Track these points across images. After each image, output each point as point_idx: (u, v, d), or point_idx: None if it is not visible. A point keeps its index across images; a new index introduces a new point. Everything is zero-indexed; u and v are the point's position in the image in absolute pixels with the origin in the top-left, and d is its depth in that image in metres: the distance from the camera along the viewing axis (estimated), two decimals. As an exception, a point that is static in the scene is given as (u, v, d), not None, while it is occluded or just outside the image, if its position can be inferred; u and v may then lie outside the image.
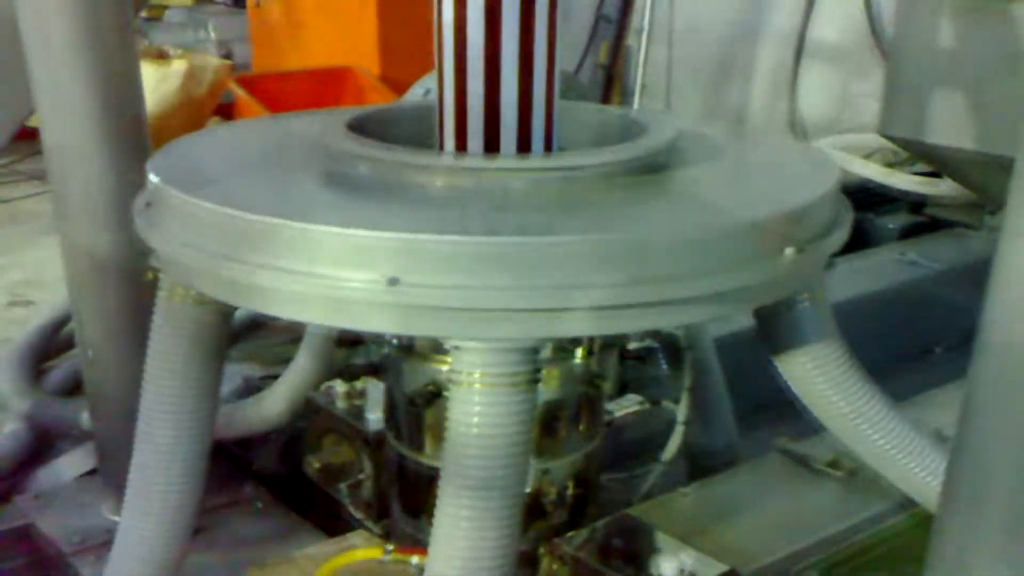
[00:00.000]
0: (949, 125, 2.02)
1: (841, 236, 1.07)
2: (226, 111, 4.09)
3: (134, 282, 1.49)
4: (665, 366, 1.38)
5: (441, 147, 1.21)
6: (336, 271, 0.92)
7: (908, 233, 2.46)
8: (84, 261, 1.61)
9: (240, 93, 3.72)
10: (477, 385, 0.93)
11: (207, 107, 3.90)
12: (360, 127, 1.23)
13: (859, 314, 1.74)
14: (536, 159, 1.16)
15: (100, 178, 1.57)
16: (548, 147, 1.20)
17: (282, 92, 3.81)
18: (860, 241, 2.40)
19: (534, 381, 0.95)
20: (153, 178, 1.11)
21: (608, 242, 0.92)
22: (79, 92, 1.54)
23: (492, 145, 1.17)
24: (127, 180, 1.54)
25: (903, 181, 2.38)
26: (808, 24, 4.03)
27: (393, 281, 0.90)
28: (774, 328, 1.16)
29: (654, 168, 1.13)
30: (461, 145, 1.19)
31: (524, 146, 1.18)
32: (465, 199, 1.06)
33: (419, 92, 3.17)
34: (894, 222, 2.45)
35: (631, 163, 1.11)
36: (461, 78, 1.17)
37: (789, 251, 0.98)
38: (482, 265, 0.91)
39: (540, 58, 1.15)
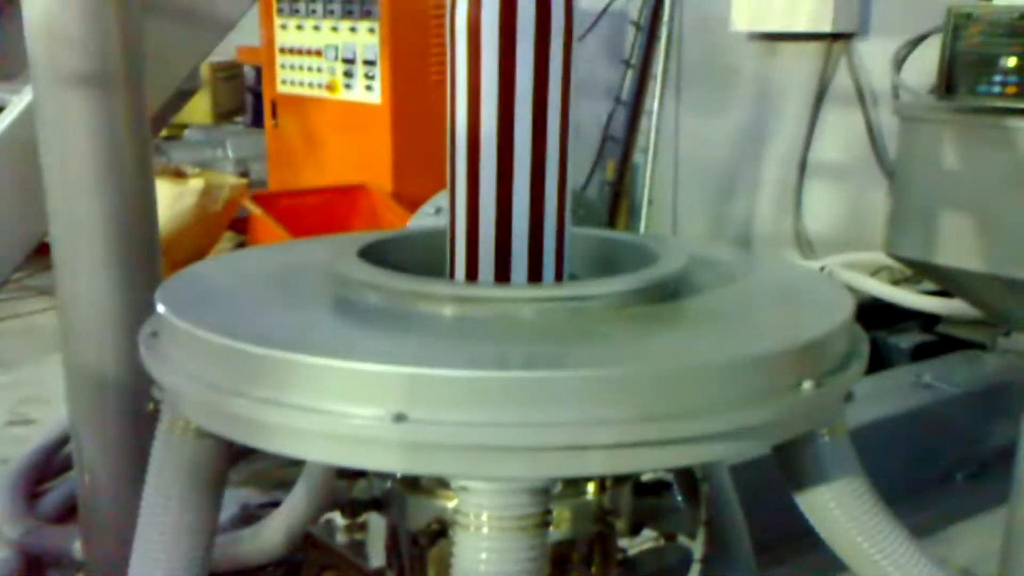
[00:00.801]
0: (956, 246, 2.04)
1: (859, 368, 1.04)
2: (241, 226, 4.17)
3: (136, 408, 1.47)
4: (680, 499, 1.33)
5: (452, 274, 1.21)
6: (340, 406, 0.90)
7: (920, 352, 2.43)
8: (87, 384, 1.60)
9: (255, 210, 3.80)
10: (485, 529, 0.89)
11: (222, 223, 3.98)
12: (372, 253, 1.24)
13: (877, 440, 1.70)
14: (546, 288, 1.15)
15: (108, 300, 1.58)
16: (559, 275, 1.19)
17: (295, 209, 3.89)
18: (873, 361, 2.36)
19: (545, 524, 0.91)
20: (160, 307, 1.11)
21: (621, 377, 0.90)
22: (94, 216, 1.57)
23: (503, 274, 1.17)
24: (136, 304, 1.54)
25: (915, 301, 2.37)
26: (810, 145, 4.13)
27: (399, 417, 0.87)
28: (793, 463, 1.12)
29: (666, 296, 1.12)
30: (472, 273, 1.19)
31: (535, 275, 1.18)
32: (475, 329, 1.05)
33: (430, 210, 3.22)
34: (906, 341, 2.43)
35: (642, 292, 1.10)
36: (473, 203, 1.18)
37: (807, 385, 0.96)
38: (491, 400, 0.89)
39: (551, 188, 1.16)
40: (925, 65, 3.45)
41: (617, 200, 4.86)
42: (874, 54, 3.89)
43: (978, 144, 2.05)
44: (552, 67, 1.17)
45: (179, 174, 3.91)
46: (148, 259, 1.61)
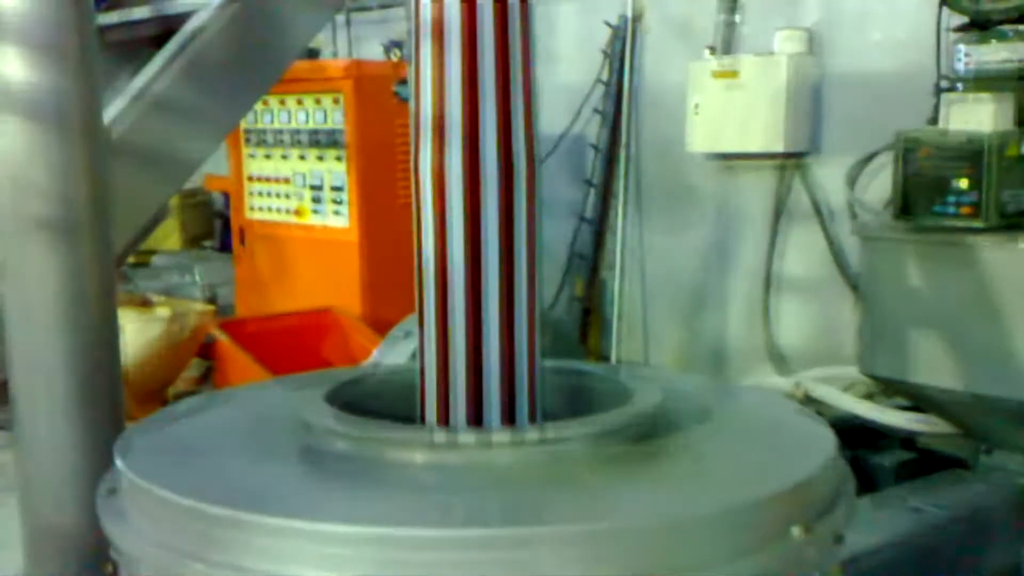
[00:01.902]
0: (928, 364, 2.05)
1: (849, 508, 1.01)
2: (208, 352, 4.09)
3: (97, 564, 1.38)
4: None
5: (423, 417, 1.18)
6: (305, 572, 0.85)
7: (903, 470, 2.40)
8: (45, 536, 1.51)
9: (221, 338, 3.75)
10: None
11: (189, 351, 3.91)
12: (341, 395, 1.20)
13: (869, 569, 1.64)
14: (522, 432, 1.12)
15: (69, 449, 1.50)
16: (533, 415, 1.17)
17: (263, 335, 3.84)
18: (856, 480, 2.33)
19: None
20: (119, 463, 1.06)
21: (607, 532, 0.86)
22: (55, 363, 1.52)
23: (476, 415, 1.14)
24: (97, 453, 1.47)
25: (894, 418, 2.36)
26: (773, 260, 4.21)
27: (369, 585, 0.82)
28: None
29: (644, 435, 1.10)
30: (444, 415, 1.15)
31: (509, 415, 1.15)
32: (449, 480, 1.01)
33: (399, 334, 3.19)
34: (889, 459, 2.40)
35: (621, 432, 1.08)
36: (443, 343, 1.16)
37: (796, 530, 0.92)
38: (468, 561, 0.84)
39: (522, 327, 1.15)
40: (878, 181, 3.59)
41: (587, 317, 4.88)
42: (827, 172, 4.04)
43: (939, 263, 2.09)
44: (517, 207, 1.18)
45: (145, 303, 3.87)
46: (111, 407, 1.55)
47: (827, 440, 1.09)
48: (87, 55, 1.51)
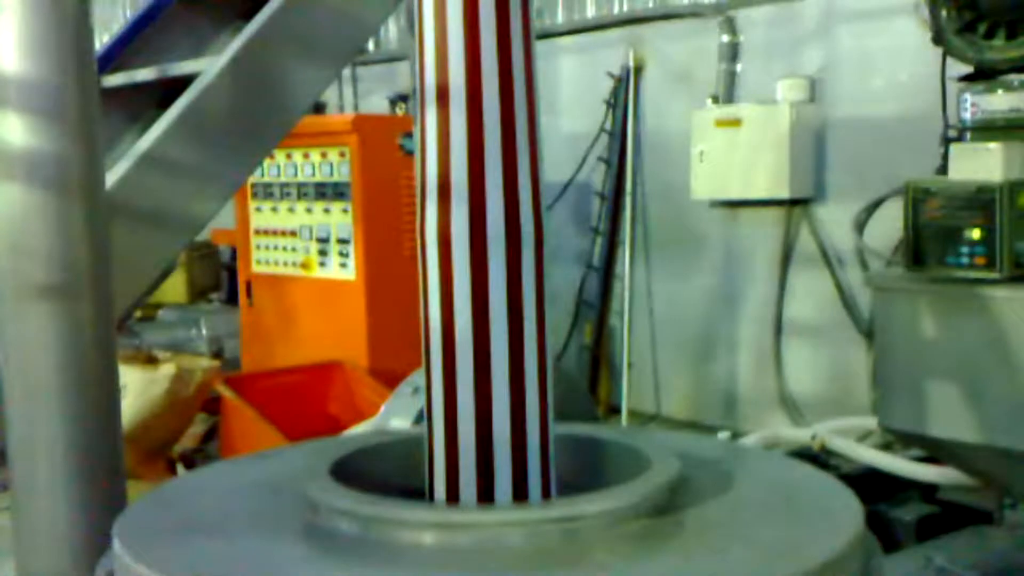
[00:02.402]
0: (947, 417, 2.00)
1: (877, 585, 0.97)
2: (214, 407, 4.05)
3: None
4: None
5: (431, 493, 1.14)
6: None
7: (925, 525, 2.33)
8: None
9: (227, 394, 3.71)
10: None
11: (193, 408, 3.87)
12: (347, 468, 1.16)
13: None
14: (534, 509, 1.08)
15: (67, 525, 1.47)
16: (546, 489, 1.13)
17: (269, 390, 3.80)
18: (877, 536, 2.26)
19: None
20: (116, 545, 1.02)
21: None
22: (55, 432, 1.48)
23: (486, 490, 1.10)
24: (97, 529, 1.43)
25: (914, 471, 2.30)
26: (783, 305, 4.17)
27: None
28: None
29: (662, 510, 1.05)
30: (453, 491, 1.11)
31: (520, 490, 1.11)
32: (458, 561, 0.96)
33: (407, 390, 3.15)
34: (910, 514, 2.33)
35: (637, 507, 1.03)
36: (451, 412, 1.12)
37: (824, 613, 0.88)
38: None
39: (532, 394, 1.12)
40: (885, 225, 3.56)
41: (596, 364, 4.84)
42: (833, 217, 4.02)
43: (954, 314, 2.05)
44: (525, 271, 1.15)
45: (150, 360, 3.84)
46: (111, 475, 1.52)
47: (853, 511, 1.04)
48: (89, 119, 1.50)
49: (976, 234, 1.92)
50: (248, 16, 2.15)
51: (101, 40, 7.71)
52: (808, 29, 4.10)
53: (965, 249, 1.94)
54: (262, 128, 1.98)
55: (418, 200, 1.20)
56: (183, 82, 2.00)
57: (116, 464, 1.55)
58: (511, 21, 1.14)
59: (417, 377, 3.02)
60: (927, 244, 2.01)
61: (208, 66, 1.92)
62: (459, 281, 1.14)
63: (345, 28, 2.08)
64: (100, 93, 2.25)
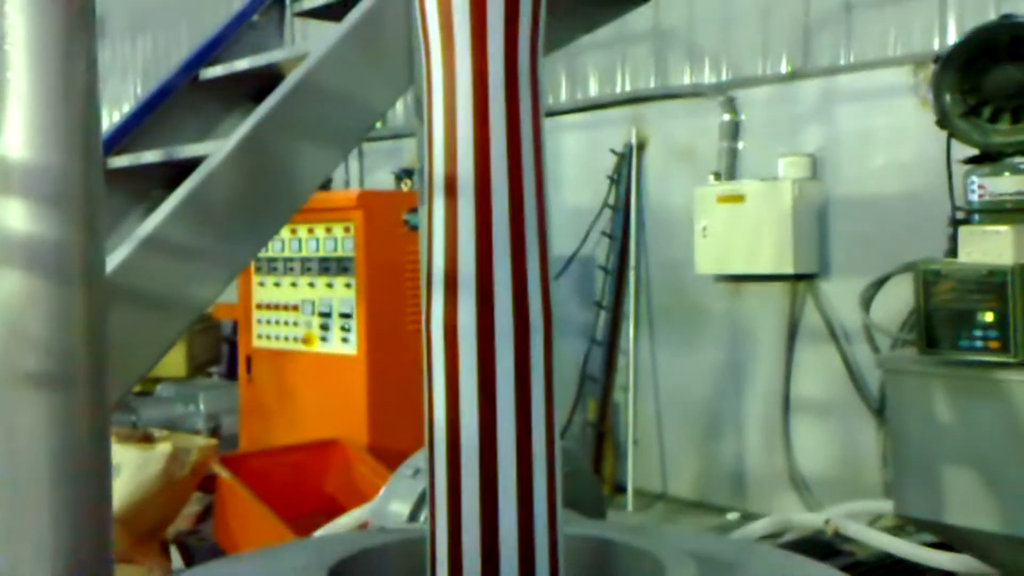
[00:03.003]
0: (963, 504, 1.94)
1: None
2: (209, 486, 3.96)
3: None
4: None
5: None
6: None
7: (946, 617, 2.24)
8: None
9: (223, 474, 3.63)
10: None
11: (189, 488, 3.77)
12: (346, 571, 1.11)
13: None
14: (543, 620, 1.02)
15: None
16: (555, 597, 1.07)
17: (266, 469, 3.72)
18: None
19: None
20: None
21: None
22: (43, 528, 1.43)
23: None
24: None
25: (930, 557, 2.22)
26: (790, 381, 4.12)
27: None
28: None
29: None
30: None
31: (528, 599, 1.05)
32: None
33: (407, 472, 3.07)
34: (929, 605, 2.25)
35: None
36: (455, 520, 1.07)
37: None
38: None
39: (540, 501, 1.07)
40: (891, 303, 3.54)
41: (601, 442, 4.75)
42: (838, 292, 4.00)
43: (969, 398, 2.01)
44: (534, 364, 1.12)
45: (146, 438, 3.77)
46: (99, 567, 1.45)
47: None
48: (93, 205, 1.49)
49: (989, 317, 1.89)
50: (258, 97, 2.17)
51: (111, 118, 7.86)
52: (808, 108, 4.15)
53: (978, 332, 1.91)
54: (268, 211, 1.97)
55: (423, 290, 1.17)
56: (191, 162, 2.01)
57: (104, 556, 1.49)
58: (521, 111, 1.14)
59: (418, 458, 2.95)
60: (939, 327, 1.97)
61: (215, 150, 1.92)
62: (465, 375, 1.10)
63: (354, 112, 2.09)
64: (107, 174, 2.27)
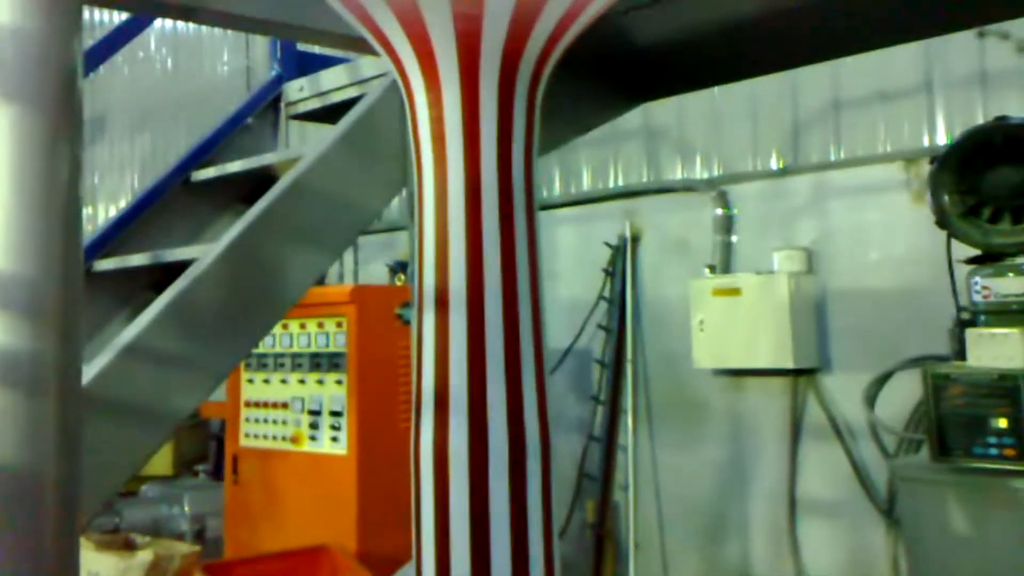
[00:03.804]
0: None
1: None
2: (191, 595, 3.77)
3: None
4: None
5: None
6: None
7: None
8: None
9: (205, 584, 3.46)
10: None
11: (168, 597, 3.59)
12: None
13: None
14: None
15: None
16: None
17: (251, 577, 3.55)
18: None
19: None
20: None
21: None
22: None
23: None
24: None
25: None
26: (795, 478, 4.00)
27: None
28: None
29: None
30: None
31: None
32: None
33: (397, 590, 2.93)
34: None
35: None
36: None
37: None
38: None
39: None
40: (894, 398, 3.45)
41: (601, 545, 4.58)
42: (840, 387, 3.93)
43: (985, 506, 1.92)
44: (530, 491, 1.04)
45: (127, 544, 3.61)
46: None
47: None
48: (71, 317, 1.43)
49: (1003, 423, 1.82)
50: (249, 199, 2.14)
51: (107, 213, 7.87)
52: (800, 203, 4.17)
53: (992, 439, 1.84)
54: (256, 316, 1.91)
55: (413, 411, 1.11)
56: (178, 265, 1.96)
57: None
58: (515, 225, 1.09)
59: (408, 569, 2.81)
60: (951, 433, 1.90)
61: (203, 253, 1.88)
62: (456, 503, 1.03)
63: (347, 214, 2.06)
64: (92, 277, 2.22)
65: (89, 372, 1.66)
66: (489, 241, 1.07)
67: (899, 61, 3.70)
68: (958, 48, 3.52)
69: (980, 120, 3.50)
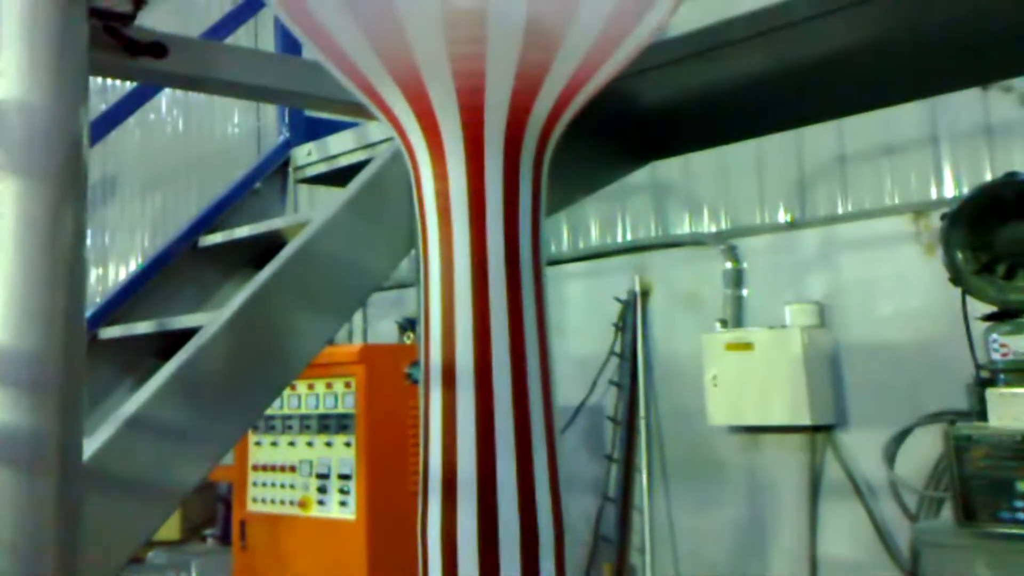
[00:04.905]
0: None
1: None
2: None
3: None
4: None
5: None
6: None
7: None
8: None
9: (210, 656, 3.36)
10: None
11: (172, 669, 3.50)
12: None
13: None
14: None
15: None
16: None
17: (258, 648, 3.45)
18: None
19: None
20: None
21: None
22: None
23: None
24: None
25: None
26: (816, 538, 3.89)
27: None
28: None
29: None
30: None
31: None
32: None
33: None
34: None
35: None
36: None
37: None
38: None
39: None
40: (914, 455, 3.37)
41: (616, 610, 4.45)
42: (859, 444, 3.85)
43: (1013, 572, 1.85)
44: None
45: (130, 615, 3.53)
46: None
47: None
48: (72, 392, 1.41)
49: (1030, 487, 1.76)
50: (258, 263, 2.13)
51: (118, 274, 7.88)
52: (810, 256, 4.15)
53: (1019, 504, 1.78)
54: (263, 384, 1.88)
55: (420, 491, 1.07)
56: (184, 332, 1.94)
57: None
58: (523, 297, 1.07)
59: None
60: (976, 497, 1.84)
61: (209, 321, 1.86)
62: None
63: (355, 278, 2.05)
64: (97, 344, 2.21)
65: (91, 446, 1.62)
66: (496, 317, 1.05)
67: (904, 114, 3.71)
68: (962, 101, 3.53)
69: (987, 170, 3.49)
